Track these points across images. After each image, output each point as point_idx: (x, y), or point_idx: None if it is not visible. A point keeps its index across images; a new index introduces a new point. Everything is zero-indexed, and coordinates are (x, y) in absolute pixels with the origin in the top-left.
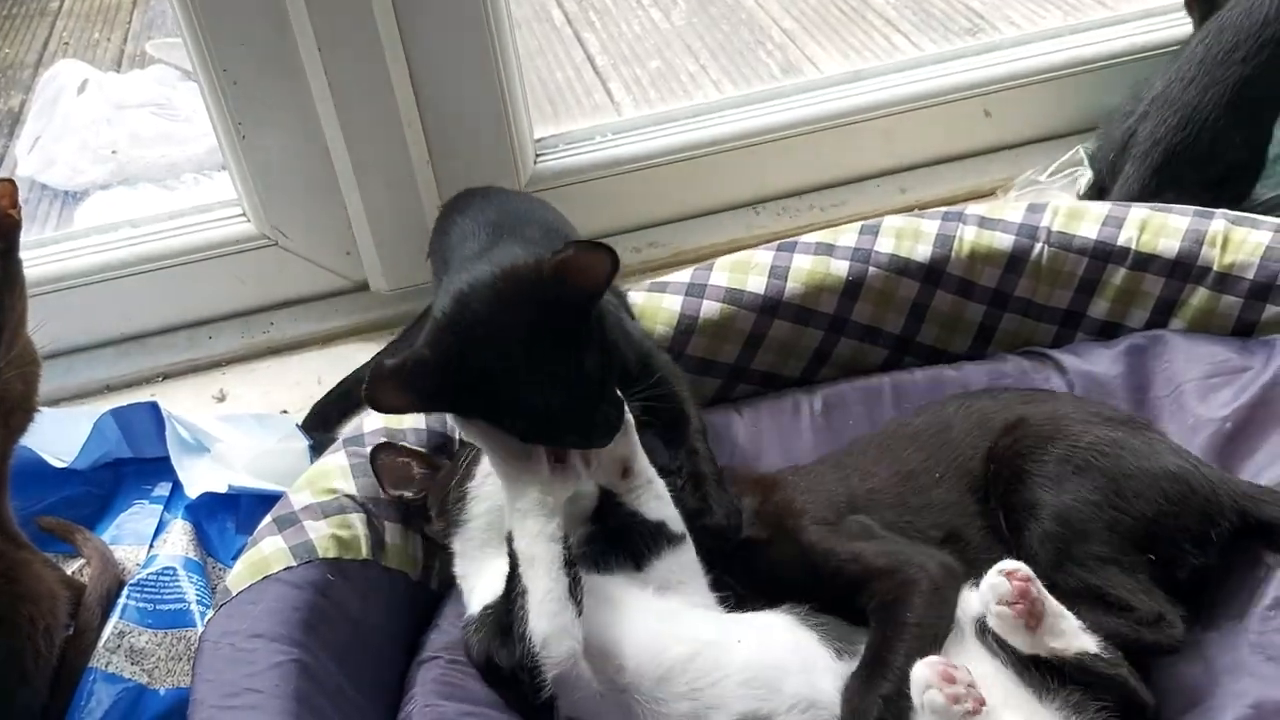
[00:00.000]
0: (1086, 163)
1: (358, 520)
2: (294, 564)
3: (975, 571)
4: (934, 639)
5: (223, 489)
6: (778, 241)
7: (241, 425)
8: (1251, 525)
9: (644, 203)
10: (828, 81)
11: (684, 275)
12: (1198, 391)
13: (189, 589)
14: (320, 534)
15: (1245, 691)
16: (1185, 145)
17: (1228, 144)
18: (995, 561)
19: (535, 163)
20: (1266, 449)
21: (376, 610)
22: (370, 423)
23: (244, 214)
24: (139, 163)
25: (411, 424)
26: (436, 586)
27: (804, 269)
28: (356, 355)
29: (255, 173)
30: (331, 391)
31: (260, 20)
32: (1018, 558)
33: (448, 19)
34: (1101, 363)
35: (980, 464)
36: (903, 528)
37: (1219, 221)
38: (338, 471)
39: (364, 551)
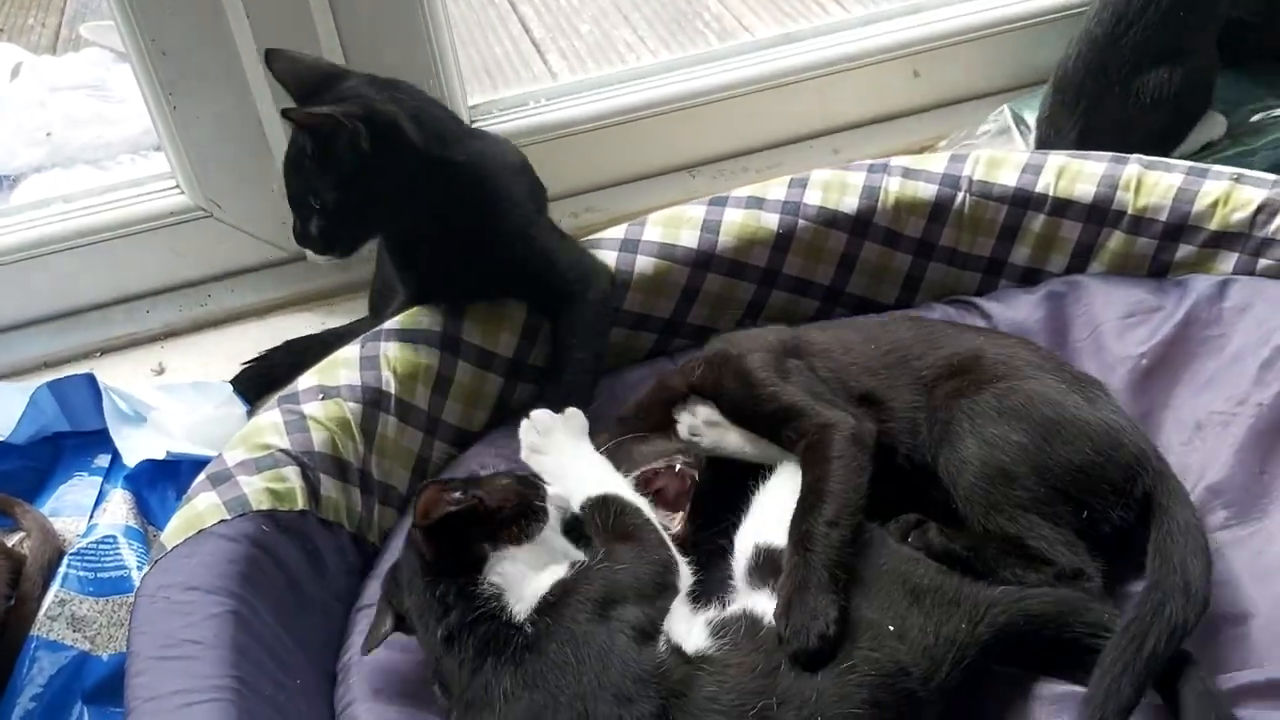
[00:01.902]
0: (1012, 121)
1: (292, 473)
2: (228, 517)
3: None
4: (859, 471)
5: (161, 455)
6: (709, 196)
7: (179, 393)
8: None
9: (580, 168)
10: (760, 44)
11: (618, 232)
12: (1115, 331)
13: (129, 556)
14: (254, 488)
15: None
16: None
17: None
18: (912, 449)
19: None
20: (1184, 384)
21: (314, 562)
22: (305, 380)
23: (178, 186)
24: (74, 144)
25: (346, 380)
26: (375, 539)
27: (735, 223)
28: (295, 325)
29: (188, 144)
30: (266, 359)
31: None
32: (940, 484)
33: None
34: (1023, 308)
35: (929, 372)
36: (834, 384)
37: (1133, 166)
38: (271, 428)
39: (300, 503)
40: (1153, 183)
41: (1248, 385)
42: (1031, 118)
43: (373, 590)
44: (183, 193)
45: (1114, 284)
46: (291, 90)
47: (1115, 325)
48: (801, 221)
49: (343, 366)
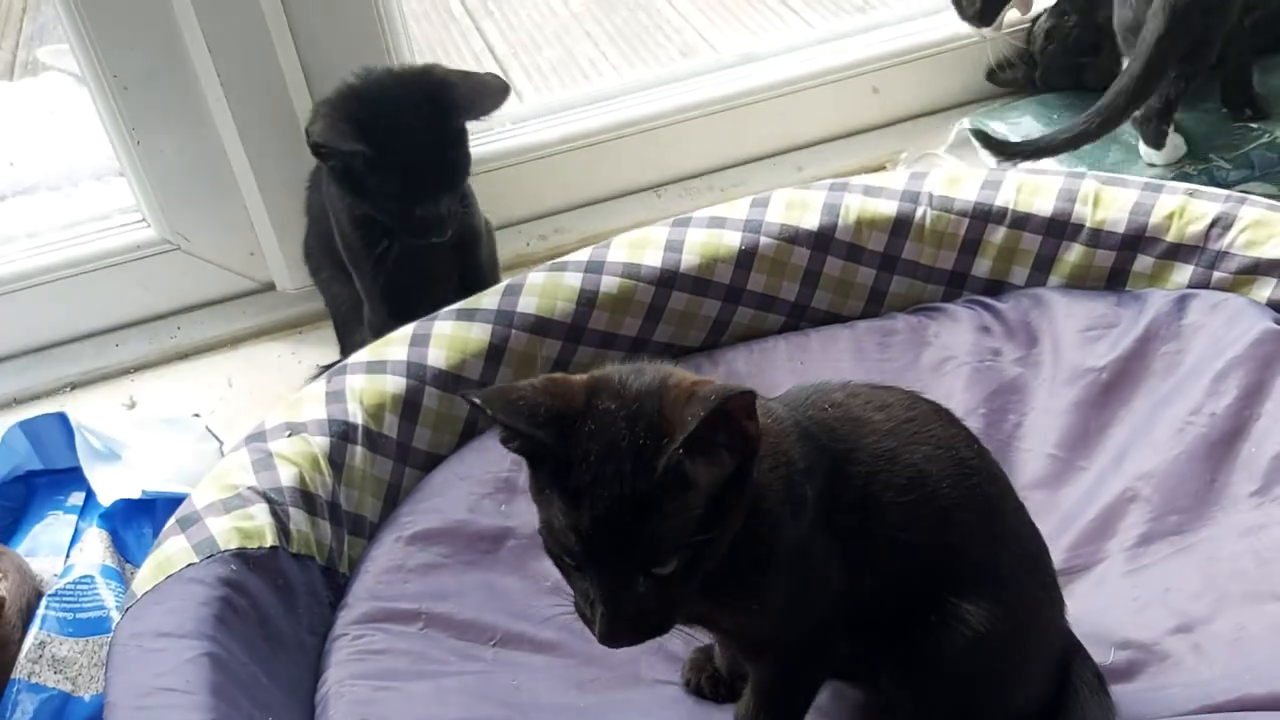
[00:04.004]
0: (972, 135)
1: (260, 511)
2: (197, 560)
3: None
4: None
5: (136, 494)
6: (673, 218)
7: (153, 430)
8: None
9: (547, 190)
10: (721, 64)
11: (583, 254)
12: (1076, 344)
13: (108, 596)
14: (222, 528)
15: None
16: None
17: None
18: None
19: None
20: (1142, 398)
21: (286, 597)
22: (272, 418)
23: (144, 219)
24: (37, 172)
25: (312, 416)
26: (345, 569)
27: (698, 242)
28: (266, 355)
29: (153, 178)
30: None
31: (148, 23)
32: None
33: (339, 14)
34: (985, 320)
35: None
36: None
37: (1090, 181)
38: (238, 468)
39: (269, 540)
40: (1110, 197)
41: (1201, 396)
42: (997, 128)
43: (344, 619)
44: (149, 226)
45: (1074, 297)
46: None
47: (1076, 339)
48: (764, 239)
49: (309, 402)
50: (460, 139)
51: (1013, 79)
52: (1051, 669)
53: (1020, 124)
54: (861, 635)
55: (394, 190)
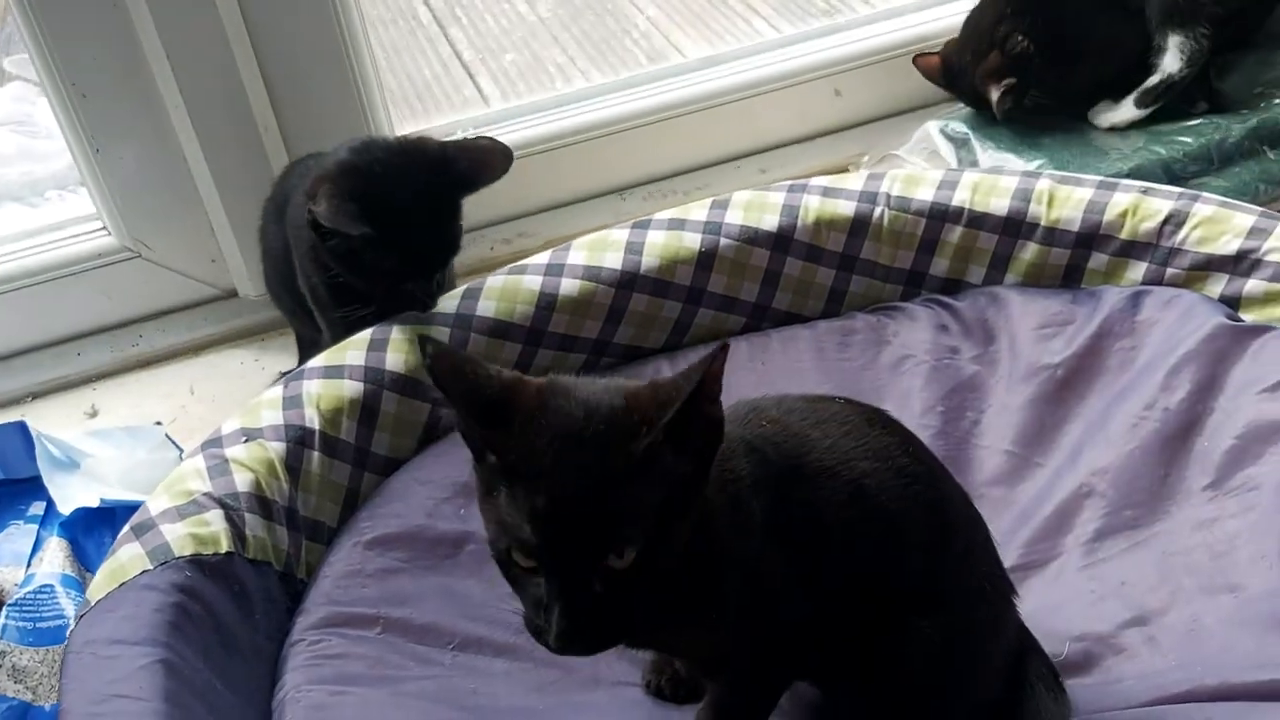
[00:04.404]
0: (937, 136)
1: (215, 517)
2: (151, 567)
3: None
4: None
5: (95, 503)
6: (632, 220)
7: (112, 439)
8: None
9: (512, 194)
10: (685, 67)
11: (543, 257)
12: (1031, 341)
13: (68, 605)
14: (177, 534)
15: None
16: None
17: None
18: None
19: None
20: (1097, 394)
21: (242, 603)
22: (228, 424)
23: (105, 227)
24: (1, 183)
25: (269, 421)
26: (303, 574)
27: (658, 244)
28: (228, 363)
29: (113, 186)
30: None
31: (106, 31)
32: None
33: (299, 19)
34: (943, 318)
35: None
36: None
37: (1045, 181)
38: (194, 474)
39: (224, 546)
40: (1064, 196)
41: (1155, 391)
42: (958, 129)
43: (301, 625)
44: (110, 234)
45: (1030, 295)
46: None
47: (1032, 336)
48: (723, 240)
49: (266, 408)
50: (457, 213)
51: None
52: (1006, 668)
53: (984, 125)
54: (816, 647)
55: (390, 268)
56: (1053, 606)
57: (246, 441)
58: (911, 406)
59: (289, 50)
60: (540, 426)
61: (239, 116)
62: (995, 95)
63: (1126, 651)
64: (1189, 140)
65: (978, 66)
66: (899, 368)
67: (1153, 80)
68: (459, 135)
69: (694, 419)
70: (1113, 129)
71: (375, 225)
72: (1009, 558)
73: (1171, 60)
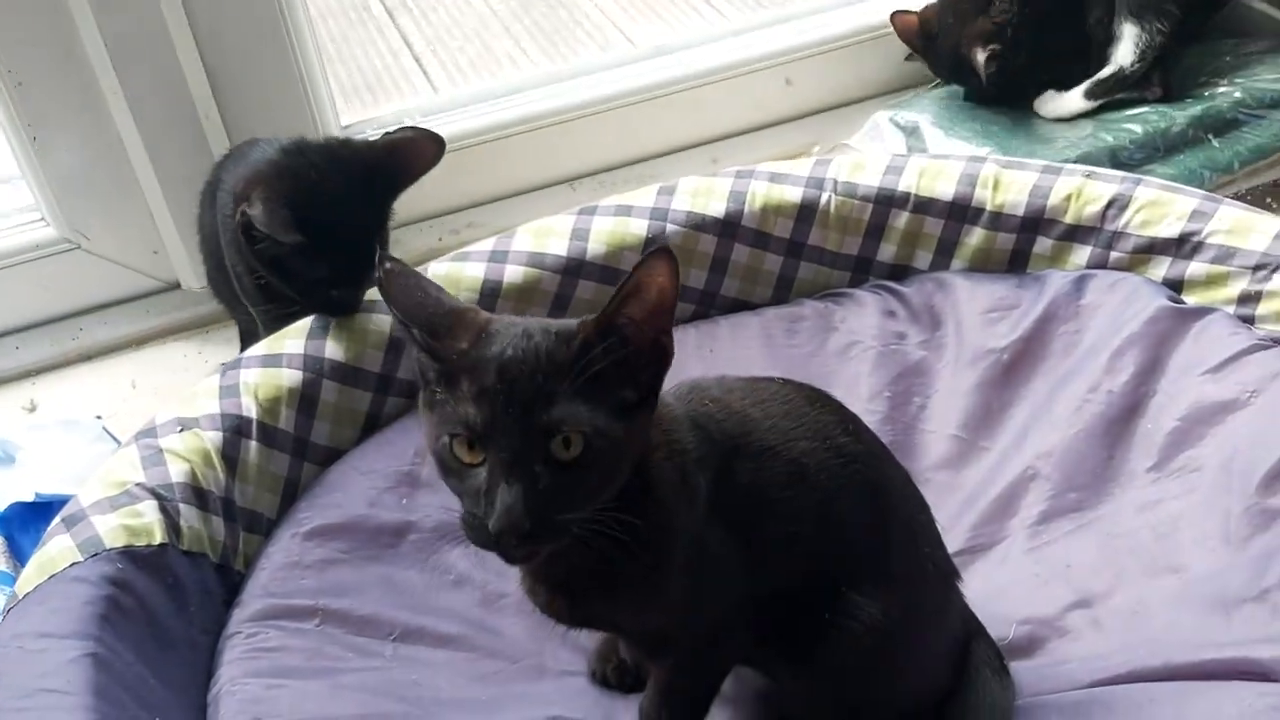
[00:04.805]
0: (887, 125)
1: (149, 508)
2: (81, 559)
3: None
4: None
5: (30, 498)
6: (578, 207)
7: (47, 432)
8: None
9: (460, 184)
10: (635, 56)
11: (486, 244)
12: (978, 326)
13: (1, 601)
14: (109, 526)
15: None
16: None
17: None
18: None
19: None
20: (1042, 377)
21: (176, 596)
22: (163, 414)
23: (43, 218)
24: None
25: (205, 410)
26: (240, 566)
27: (605, 230)
28: (171, 356)
29: (51, 176)
30: None
31: (42, 19)
32: None
33: (239, 2)
34: (890, 304)
35: None
36: None
37: (990, 165)
38: (127, 465)
39: (158, 537)
40: (1009, 180)
41: (1099, 374)
42: (909, 118)
43: (238, 618)
44: (48, 225)
45: (976, 280)
46: None
47: (978, 321)
48: (670, 226)
49: (201, 397)
50: (388, 216)
51: None
52: (951, 651)
53: (933, 114)
54: (759, 628)
55: (319, 275)
56: (998, 590)
57: (182, 431)
58: (859, 392)
59: (230, 35)
60: (489, 335)
61: (179, 104)
62: (981, 58)
63: (1071, 634)
64: (1136, 128)
65: (963, 29)
66: (847, 354)
67: (1105, 72)
68: (405, 123)
69: (634, 333)
70: (1059, 120)
71: (308, 233)
72: (955, 542)
73: (1125, 52)
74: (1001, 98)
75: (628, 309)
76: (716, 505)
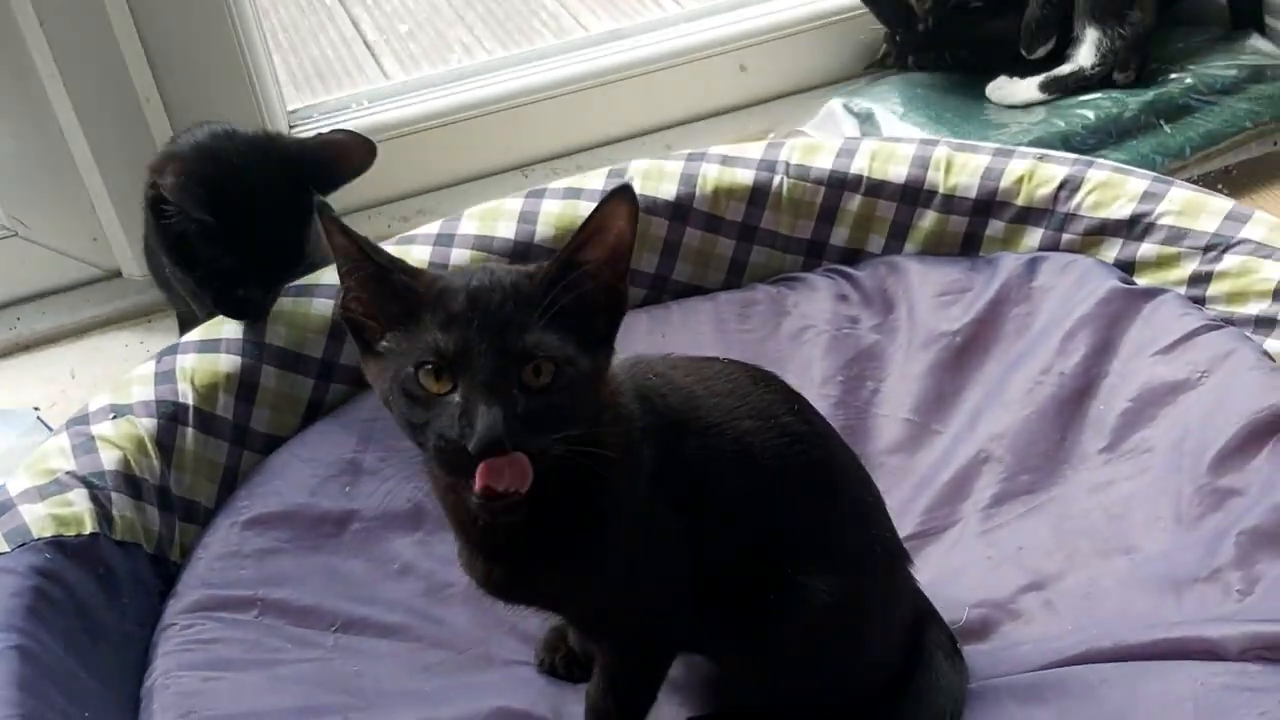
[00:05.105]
0: (842, 111)
1: (79, 496)
2: (8, 549)
3: None
4: None
5: None
6: (527, 189)
7: None
8: None
9: (408, 170)
10: (588, 41)
11: (433, 227)
12: (930, 309)
13: None
14: (36, 515)
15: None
16: None
17: None
18: None
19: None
20: (994, 359)
21: (108, 587)
22: (96, 400)
23: None
24: None
25: (140, 397)
26: (176, 557)
27: (554, 213)
28: (112, 346)
29: None
30: None
31: None
32: None
33: None
34: (843, 288)
35: None
36: None
37: (942, 148)
38: (57, 453)
39: (88, 526)
40: (962, 163)
41: (1051, 356)
42: (863, 105)
43: (173, 609)
44: None
45: (929, 264)
46: None
47: (930, 304)
48: None
49: (136, 384)
50: (309, 219)
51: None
52: (901, 634)
53: (888, 100)
54: (705, 610)
55: (226, 268)
56: (951, 574)
57: (115, 418)
58: (812, 376)
59: (171, 17)
60: (448, 275)
61: (118, 87)
62: None
63: (1024, 616)
64: (1088, 114)
65: None
66: (799, 338)
67: (1064, 69)
68: (353, 108)
69: (592, 273)
70: (1011, 106)
71: (219, 217)
72: (908, 525)
73: (1087, 54)
74: (942, 55)
75: (587, 251)
76: (661, 480)
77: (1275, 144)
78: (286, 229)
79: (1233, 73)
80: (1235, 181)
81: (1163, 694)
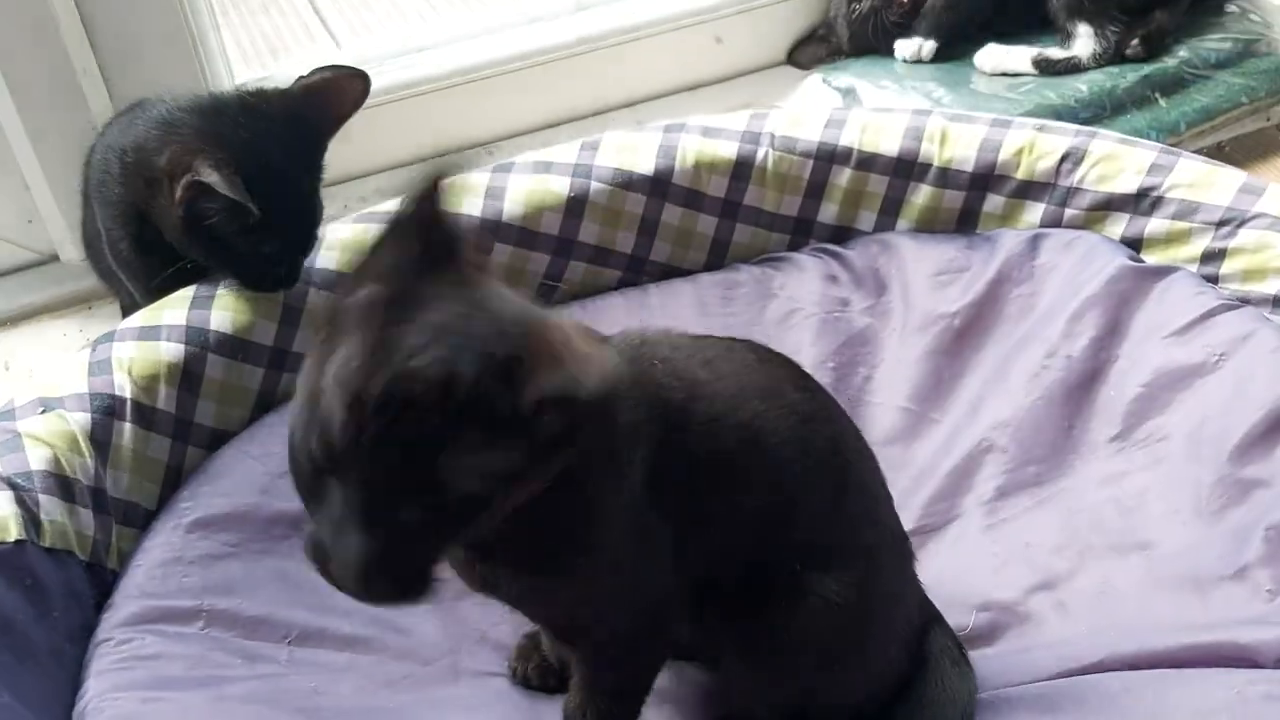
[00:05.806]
0: (824, 87)
1: (2, 500)
2: None
3: None
4: None
5: None
6: (494, 163)
7: None
8: None
9: (365, 148)
10: (555, 11)
11: (393, 203)
12: (926, 290)
13: None
14: None
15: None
16: None
17: None
18: None
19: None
20: (996, 343)
21: (36, 599)
22: (23, 394)
23: None
24: None
25: (71, 390)
26: (114, 564)
27: (523, 189)
28: (50, 334)
29: None
30: None
31: None
32: None
33: None
34: (832, 268)
35: None
36: None
37: (937, 119)
38: None
39: (13, 533)
40: (958, 134)
41: (1057, 339)
42: (844, 81)
43: (109, 622)
44: None
45: (923, 241)
46: None
47: (926, 284)
48: (595, 184)
49: (68, 375)
50: (321, 171)
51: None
52: (909, 636)
53: (870, 74)
54: (700, 615)
55: (269, 252)
56: (954, 573)
57: (44, 413)
58: (800, 362)
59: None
60: None
61: (52, 58)
62: None
63: (1034, 619)
64: (1082, 87)
65: None
66: (787, 322)
67: (1060, 54)
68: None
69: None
70: (1001, 75)
71: (259, 203)
72: (906, 521)
73: (1083, 48)
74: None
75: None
76: (652, 485)
77: (1268, 119)
78: (306, 190)
79: (1227, 45)
80: (1228, 158)
81: (1194, 705)
